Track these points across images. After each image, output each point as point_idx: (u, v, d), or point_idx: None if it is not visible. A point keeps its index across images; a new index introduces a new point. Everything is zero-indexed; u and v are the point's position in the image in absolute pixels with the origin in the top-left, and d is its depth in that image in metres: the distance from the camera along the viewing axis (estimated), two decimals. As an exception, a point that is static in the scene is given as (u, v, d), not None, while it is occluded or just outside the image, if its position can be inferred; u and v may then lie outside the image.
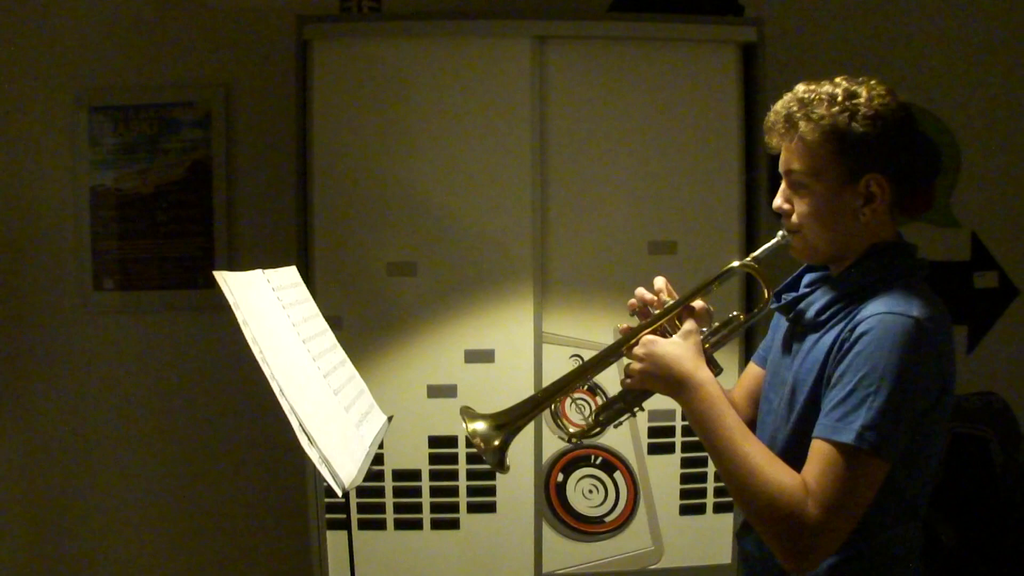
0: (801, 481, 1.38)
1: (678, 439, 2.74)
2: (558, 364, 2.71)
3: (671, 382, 1.54)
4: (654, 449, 2.75)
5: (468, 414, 1.64)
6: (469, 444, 2.66)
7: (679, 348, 1.55)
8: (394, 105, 2.68)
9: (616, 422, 1.71)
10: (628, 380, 1.61)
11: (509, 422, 1.63)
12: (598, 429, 1.72)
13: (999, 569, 2.99)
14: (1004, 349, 3.39)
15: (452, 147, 2.68)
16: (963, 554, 2.96)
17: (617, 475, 2.75)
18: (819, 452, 1.38)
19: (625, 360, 1.65)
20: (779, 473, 1.39)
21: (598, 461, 2.75)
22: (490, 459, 1.60)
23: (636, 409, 1.69)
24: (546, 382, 2.69)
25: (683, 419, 2.72)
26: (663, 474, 2.76)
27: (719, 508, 2.77)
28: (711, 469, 2.75)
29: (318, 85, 2.66)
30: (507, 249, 2.69)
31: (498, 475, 2.69)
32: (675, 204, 2.74)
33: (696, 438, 2.68)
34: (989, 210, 3.39)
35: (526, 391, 2.67)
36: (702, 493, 2.76)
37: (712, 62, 2.73)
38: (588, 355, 2.70)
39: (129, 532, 3.25)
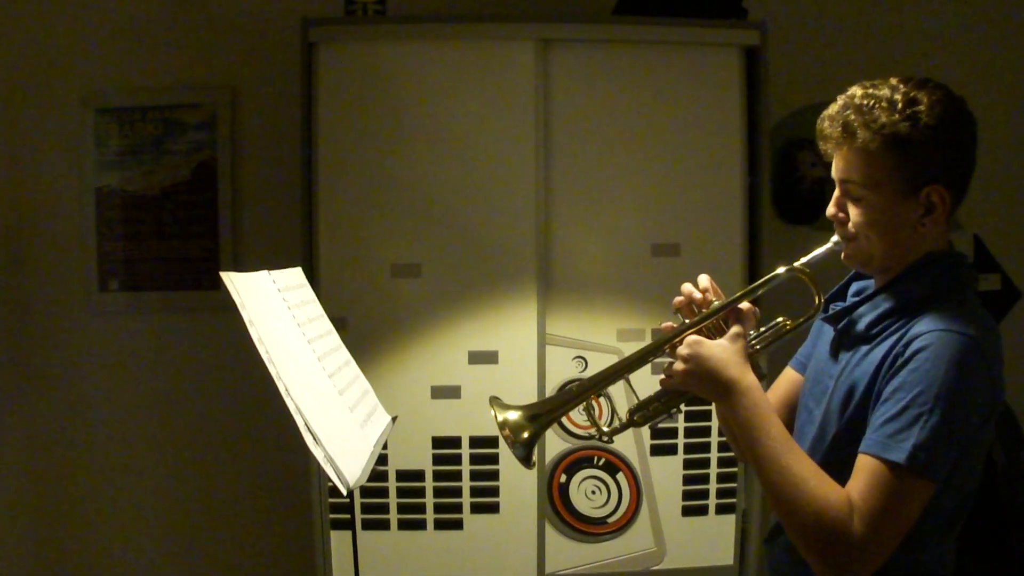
0: (846, 496, 1.34)
1: (680, 440, 2.75)
2: (561, 366, 2.72)
3: (716, 385, 1.48)
4: (657, 450, 2.75)
5: (499, 404, 1.60)
6: (473, 444, 2.69)
7: (726, 351, 1.49)
8: (399, 107, 2.69)
9: (653, 422, 1.66)
10: (670, 380, 1.56)
11: (542, 414, 1.60)
12: (631, 428, 1.68)
13: (1001, 572, 2.99)
14: (1006, 352, 3.39)
15: (457, 149, 2.70)
16: (963, 557, 2.96)
17: (620, 476, 2.76)
18: (867, 468, 1.34)
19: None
20: (824, 487, 1.35)
21: (601, 462, 2.76)
22: (518, 452, 1.56)
23: (674, 411, 1.64)
24: (549, 384, 2.71)
25: (687, 420, 2.73)
26: (666, 475, 2.76)
27: (721, 509, 2.77)
28: (713, 470, 2.76)
29: (323, 87, 2.67)
30: (511, 251, 2.70)
31: (501, 476, 2.70)
32: (678, 207, 2.74)
33: (699, 439, 2.73)
34: (991, 213, 3.38)
35: (529, 392, 2.68)
36: (704, 494, 2.77)
37: (715, 65, 2.74)
38: (591, 357, 2.72)
39: (133, 532, 3.26)
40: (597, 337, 2.73)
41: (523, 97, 2.69)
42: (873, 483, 1.33)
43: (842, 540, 1.32)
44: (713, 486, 2.77)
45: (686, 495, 2.77)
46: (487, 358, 2.70)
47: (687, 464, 2.76)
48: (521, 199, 2.70)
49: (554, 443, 2.74)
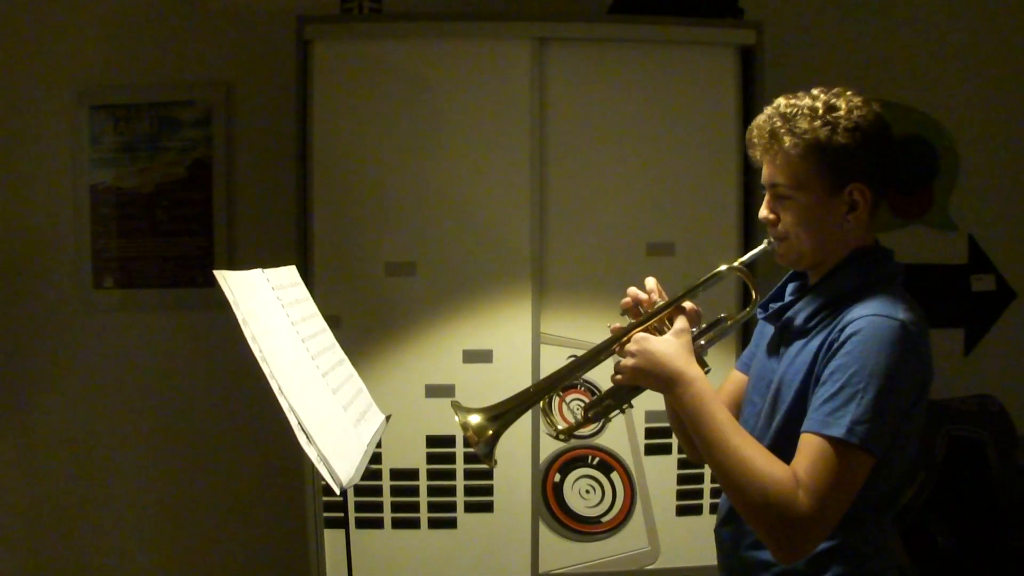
0: (792, 473, 1.41)
1: (675, 440, 2.75)
2: (556, 364, 2.69)
3: (663, 378, 1.57)
4: (651, 450, 2.76)
5: (460, 408, 1.67)
6: (467, 444, 2.68)
7: (671, 345, 1.59)
8: (394, 105, 2.68)
9: (606, 418, 1.75)
10: (619, 376, 1.64)
11: (501, 414, 1.65)
12: (588, 425, 1.77)
13: (995, 572, 3.00)
14: (1001, 352, 3.40)
15: (452, 147, 2.69)
16: (959, 556, 2.97)
17: (614, 475, 2.76)
18: (809, 445, 1.42)
19: (616, 358, 1.68)
20: (770, 465, 1.42)
21: (595, 461, 2.76)
22: (481, 450, 1.63)
23: (625, 406, 1.73)
24: (544, 382, 2.70)
25: (630, 409, 2.72)
26: (660, 475, 2.77)
27: (715, 509, 2.77)
28: (708, 470, 2.76)
29: (318, 85, 2.67)
30: (506, 250, 2.70)
31: (495, 475, 2.70)
32: (673, 206, 2.75)
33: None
34: (987, 213, 3.40)
35: (524, 391, 2.68)
36: (699, 494, 2.77)
37: (711, 64, 2.74)
38: (586, 356, 2.72)
39: (128, 530, 3.26)
40: (591, 336, 2.71)
41: (519, 95, 2.69)
42: (815, 459, 1.40)
43: (789, 514, 1.39)
44: (707, 486, 2.77)
45: (680, 495, 2.77)
46: (481, 357, 2.70)
47: (681, 464, 2.76)
48: (516, 197, 2.70)
49: (548, 443, 2.74)
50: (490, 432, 1.63)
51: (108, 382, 3.22)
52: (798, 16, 3.27)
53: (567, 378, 1.73)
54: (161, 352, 3.23)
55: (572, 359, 2.71)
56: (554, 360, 2.72)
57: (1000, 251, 3.42)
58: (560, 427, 1.75)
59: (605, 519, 2.77)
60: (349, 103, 2.68)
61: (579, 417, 1.76)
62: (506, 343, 2.71)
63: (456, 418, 1.64)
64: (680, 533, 2.77)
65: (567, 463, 2.75)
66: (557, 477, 2.75)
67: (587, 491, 2.76)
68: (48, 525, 3.25)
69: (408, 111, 2.69)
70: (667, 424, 2.69)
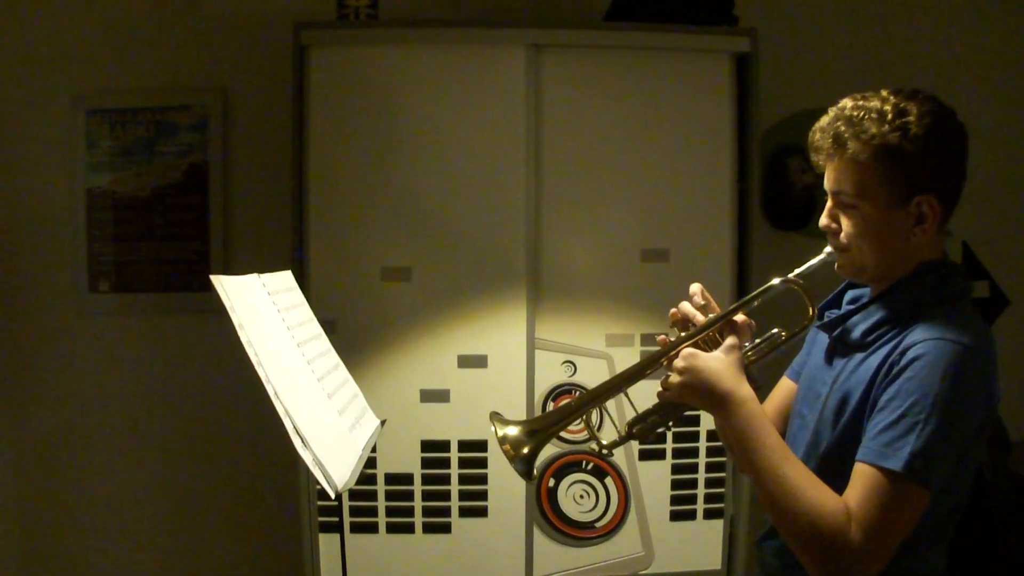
0: (844, 504, 1.35)
1: (669, 445, 2.76)
2: (551, 370, 2.73)
3: (712, 398, 1.50)
4: (645, 455, 2.76)
5: (499, 419, 1.61)
6: (462, 448, 2.69)
7: (721, 363, 1.51)
8: (390, 111, 2.69)
9: (650, 435, 1.68)
10: (666, 393, 1.57)
11: (541, 429, 1.61)
12: (630, 441, 1.70)
13: (987, 577, 3.01)
14: (994, 358, 3.41)
15: (447, 153, 2.70)
16: (950, 563, 2.97)
17: (608, 480, 2.77)
18: (864, 476, 1.36)
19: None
20: (822, 495, 1.37)
21: (589, 467, 2.77)
22: (518, 467, 1.58)
23: (671, 422, 1.67)
24: (538, 388, 2.71)
25: (676, 425, 2.73)
26: (654, 480, 2.77)
27: (709, 514, 2.78)
28: (701, 475, 2.77)
29: (315, 90, 2.67)
30: (501, 255, 2.71)
31: (489, 480, 2.71)
32: (668, 212, 2.75)
33: (688, 444, 2.73)
34: (980, 220, 3.40)
35: (518, 396, 2.69)
36: (692, 499, 2.78)
37: (706, 71, 2.75)
38: (580, 361, 2.73)
39: (123, 534, 3.25)
40: (586, 342, 2.74)
41: (514, 102, 2.70)
42: (870, 491, 1.34)
43: (840, 548, 1.33)
44: (701, 491, 2.77)
45: (674, 500, 2.78)
46: (476, 362, 2.71)
47: (675, 469, 2.77)
48: (512, 203, 2.71)
49: (543, 448, 2.73)
50: (526, 450, 1.58)
51: (103, 386, 3.22)
52: (793, 23, 3.28)
53: (611, 393, 1.65)
54: (156, 356, 3.22)
55: (566, 363, 2.75)
56: (549, 365, 2.73)
57: (993, 258, 3.43)
58: (604, 443, 1.69)
59: (599, 524, 2.77)
60: (345, 109, 2.68)
61: (623, 432, 1.69)
62: (501, 348, 2.71)
63: (493, 428, 1.60)
64: (674, 538, 2.78)
65: (561, 468, 2.76)
66: (551, 482, 2.76)
67: (581, 496, 2.77)
68: (42, 529, 3.25)
69: (404, 117, 2.70)
70: (661, 429, 2.73)
